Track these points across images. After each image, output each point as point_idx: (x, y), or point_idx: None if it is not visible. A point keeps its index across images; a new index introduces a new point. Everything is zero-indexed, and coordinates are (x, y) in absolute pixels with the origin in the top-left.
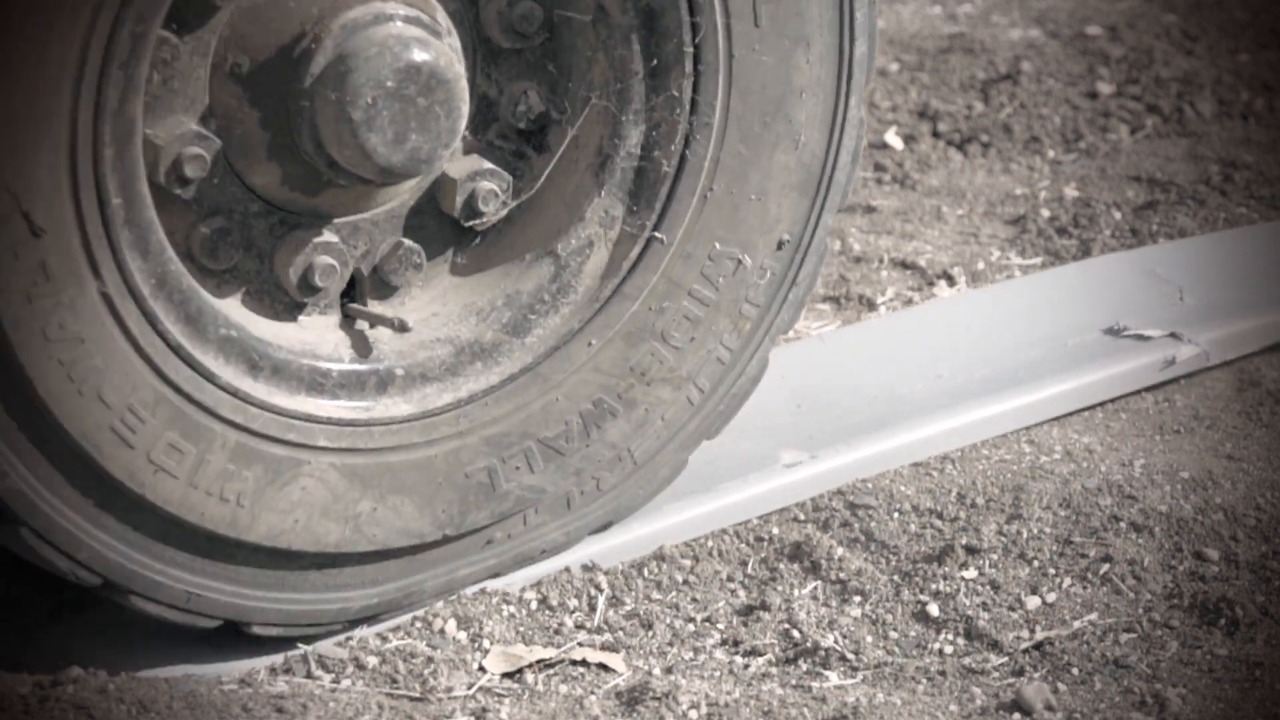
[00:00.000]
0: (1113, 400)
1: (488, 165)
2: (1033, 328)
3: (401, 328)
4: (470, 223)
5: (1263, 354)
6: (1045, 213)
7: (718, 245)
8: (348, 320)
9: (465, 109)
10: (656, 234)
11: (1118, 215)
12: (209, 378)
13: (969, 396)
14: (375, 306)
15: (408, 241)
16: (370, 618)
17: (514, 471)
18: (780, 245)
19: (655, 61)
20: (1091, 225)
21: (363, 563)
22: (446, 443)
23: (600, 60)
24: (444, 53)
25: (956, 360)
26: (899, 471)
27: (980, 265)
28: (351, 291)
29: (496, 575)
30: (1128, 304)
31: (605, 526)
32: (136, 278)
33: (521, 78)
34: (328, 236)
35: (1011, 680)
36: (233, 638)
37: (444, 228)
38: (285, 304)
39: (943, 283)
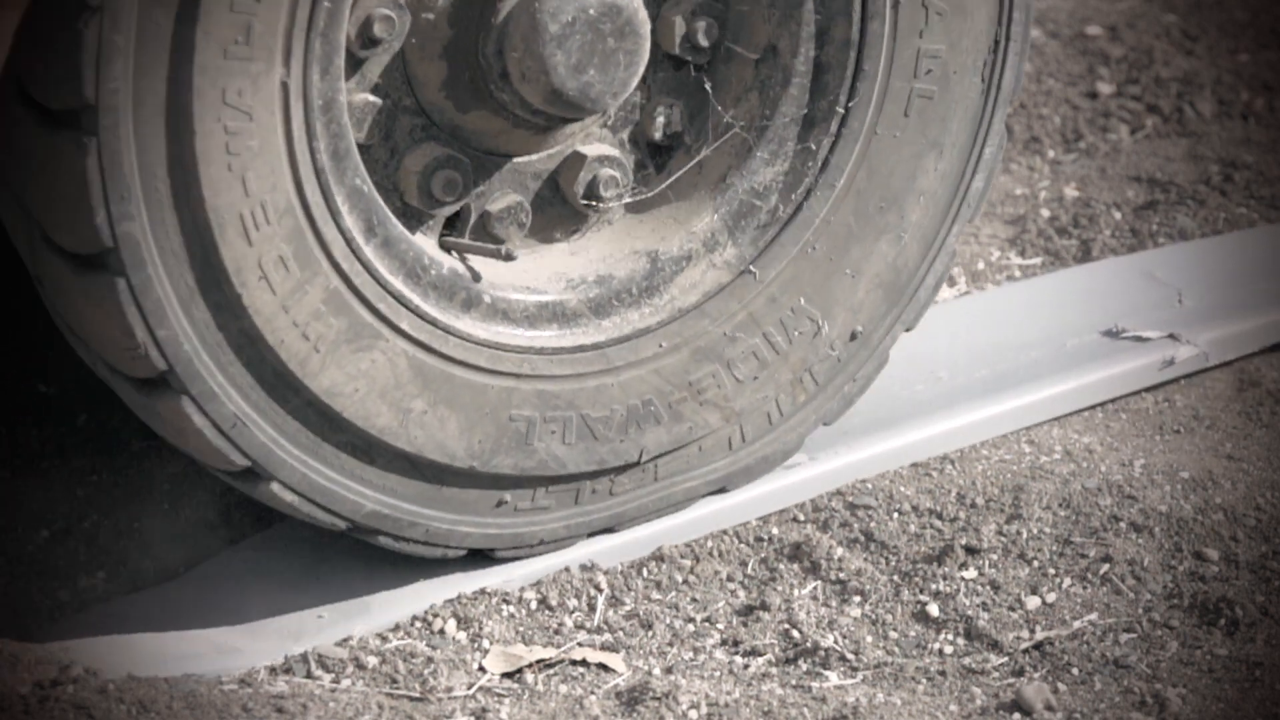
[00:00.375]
0: (1112, 400)
1: (618, 155)
2: (1032, 329)
3: (508, 256)
4: (585, 203)
5: (1263, 354)
6: (1045, 213)
7: (803, 301)
8: (446, 252)
9: (642, 67)
10: (752, 268)
11: (1118, 215)
12: (334, 214)
13: (969, 396)
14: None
15: (522, 199)
16: (371, 530)
17: (549, 434)
18: (854, 336)
19: (805, 112)
20: (1091, 225)
21: (390, 466)
22: (505, 379)
23: (753, 98)
24: (642, 8)
25: (956, 360)
26: (899, 472)
27: (980, 265)
28: (450, 230)
29: (493, 550)
30: (1126, 306)
31: (604, 531)
32: (313, 88)
33: (670, 93)
34: (459, 156)
35: (1011, 680)
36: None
37: (556, 204)
38: (395, 209)
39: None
